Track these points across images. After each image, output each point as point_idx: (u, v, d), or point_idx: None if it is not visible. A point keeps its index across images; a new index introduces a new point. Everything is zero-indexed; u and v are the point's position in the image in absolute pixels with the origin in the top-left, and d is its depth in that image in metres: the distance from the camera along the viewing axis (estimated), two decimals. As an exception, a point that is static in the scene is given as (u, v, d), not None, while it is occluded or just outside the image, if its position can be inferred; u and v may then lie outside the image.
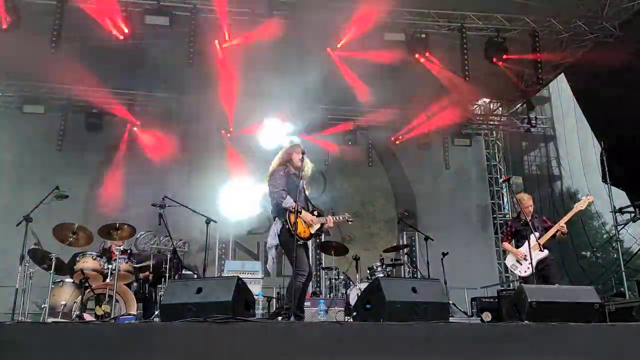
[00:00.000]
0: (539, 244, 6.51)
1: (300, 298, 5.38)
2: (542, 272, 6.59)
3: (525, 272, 6.59)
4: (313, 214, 5.59)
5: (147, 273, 7.57)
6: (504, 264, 12.89)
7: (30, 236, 6.32)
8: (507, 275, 12.96)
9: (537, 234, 6.65)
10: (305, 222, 5.46)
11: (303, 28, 9.24)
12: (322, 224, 5.62)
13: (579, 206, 6.87)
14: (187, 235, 9.06)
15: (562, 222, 6.71)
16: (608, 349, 3.84)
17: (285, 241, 5.38)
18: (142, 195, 9.38)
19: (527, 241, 6.30)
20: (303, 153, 5.62)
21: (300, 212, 5.33)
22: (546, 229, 6.81)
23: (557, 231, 6.70)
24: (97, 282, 6.62)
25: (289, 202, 5.34)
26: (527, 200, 7.04)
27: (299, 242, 5.31)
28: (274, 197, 5.45)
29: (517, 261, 6.80)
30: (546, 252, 6.61)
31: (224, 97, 11.00)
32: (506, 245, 7.18)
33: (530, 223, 6.56)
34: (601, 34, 9.93)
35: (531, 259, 6.26)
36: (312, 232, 5.53)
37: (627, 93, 9.39)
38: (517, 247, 6.94)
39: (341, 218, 5.89)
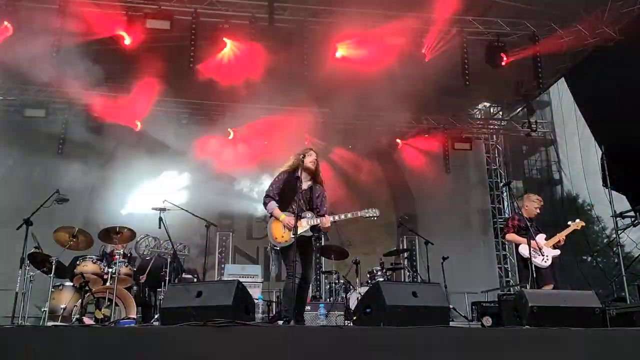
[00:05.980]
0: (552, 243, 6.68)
1: (299, 305, 5.28)
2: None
3: (546, 262, 6.56)
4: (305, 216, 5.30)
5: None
6: (505, 267, 13.02)
7: (31, 239, 6.31)
8: (508, 279, 12.96)
9: (543, 235, 6.75)
10: (284, 225, 5.26)
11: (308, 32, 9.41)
12: (316, 225, 5.27)
13: (572, 226, 6.79)
14: (187, 239, 9.06)
15: (553, 241, 6.69)
16: (609, 355, 3.83)
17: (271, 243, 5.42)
18: (142, 199, 9.38)
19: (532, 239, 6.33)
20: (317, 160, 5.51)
21: (301, 216, 5.15)
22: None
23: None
24: (97, 285, 6.63)
25: (269, 207, 5.40)
26: (537, 202, 6.96)
27: (274, 247, 5.29)
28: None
29: (534, 250, 6.55)
30: (558, 251, 6.67)
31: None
32: (514, 236, 6.85)
33: (532, 226, 6.55)
34: (601, 38, 9.93)
35: (530, 253, 6.30)
36: (294, 234, 4.97)
37: (628, 97, 9.38)
38: None
39: (348, 215, 5.39)
